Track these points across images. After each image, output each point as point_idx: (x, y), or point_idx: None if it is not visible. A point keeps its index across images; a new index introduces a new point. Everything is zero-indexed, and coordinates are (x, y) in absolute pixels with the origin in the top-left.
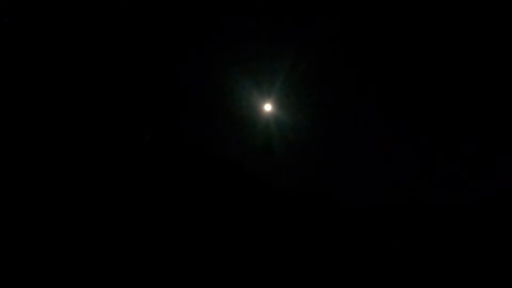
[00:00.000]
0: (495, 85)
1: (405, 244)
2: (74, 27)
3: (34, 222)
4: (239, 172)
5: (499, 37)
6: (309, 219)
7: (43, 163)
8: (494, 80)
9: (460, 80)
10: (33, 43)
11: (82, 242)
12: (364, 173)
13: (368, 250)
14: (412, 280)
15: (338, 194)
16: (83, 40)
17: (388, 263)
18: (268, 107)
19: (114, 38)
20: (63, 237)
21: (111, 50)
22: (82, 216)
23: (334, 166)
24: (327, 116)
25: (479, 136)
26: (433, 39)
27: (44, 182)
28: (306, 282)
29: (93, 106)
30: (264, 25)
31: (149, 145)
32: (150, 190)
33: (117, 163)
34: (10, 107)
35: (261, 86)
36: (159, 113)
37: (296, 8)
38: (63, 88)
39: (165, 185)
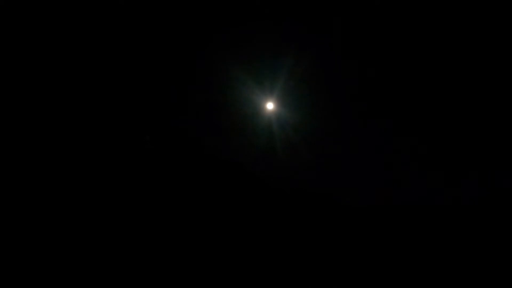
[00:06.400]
0: (495, 84)
1: (405, 244)
2: (75, 27)
3: (34, 222)
4: (241, 171)
5: (498, 37)
6: (309, 219)
7: (43, 163)
8: (494, 79)
9: (460, 79)
10: (33, 43)
11: (82, 242)
12: (365, 172)
13: (368, 250)
14: (412, 280)
15: (338, 193)
16: (83, 40)
17: (388, 263)
18: (270, 105)
19: (116, 38)
20: (63, 237)
21: (113, 50)
22: (82, 217)
23: (335, 165)
24: (329, 115)
25: (479, 137)
26: (433, 40)
27: (44, 182)
28: (306, 282)
29: (93, 106)
30: (266, 24)
31: (149, 144)
32: (150, 191)
33: (117, 163)
34: (10, 107)
35: (263, 85)
36: (161, 113)
37: (298, 7)
38: (64, 88)
39: (166, 185)
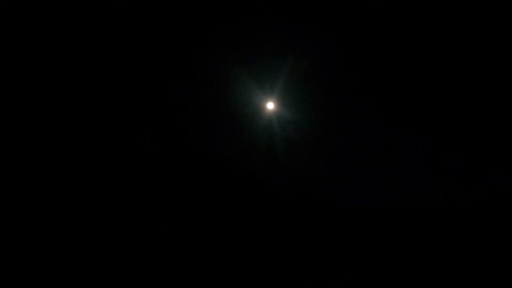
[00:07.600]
0: (494, 86)
1: (405, 244)
2: (75, 28)
3: (34, 222)
4: (241, 170)
5: (496, 38)
6: (309, 218)
7: (43, 163)
8: (493, 81)
9: (459, 81)
10: (34, 43)
11: (82, 242)
12: (365, 172)
13: (368, 250)
14: (412, 280)
15: (338, 193)
16: (85, 41)
17: (388, 263)
18: (270, 105)
19: (118, 39)
20: (63, 237)
21: (116, 51)
22: (83, 216)
23: (335, 164)
24: (329, 115)
25: (479, 137)
26: (432, 41)
27: (44, 182)
28: (306, 282)
29: (95, 106)
30: (266, 24)
31: (149, 144)
32: (151, 190)
33: (118, 162)
34: (10, 107)
35: (263, 85)
36: (161, 113)
37: (298, 9)
38: (64, 89)
39: (166, 184)
